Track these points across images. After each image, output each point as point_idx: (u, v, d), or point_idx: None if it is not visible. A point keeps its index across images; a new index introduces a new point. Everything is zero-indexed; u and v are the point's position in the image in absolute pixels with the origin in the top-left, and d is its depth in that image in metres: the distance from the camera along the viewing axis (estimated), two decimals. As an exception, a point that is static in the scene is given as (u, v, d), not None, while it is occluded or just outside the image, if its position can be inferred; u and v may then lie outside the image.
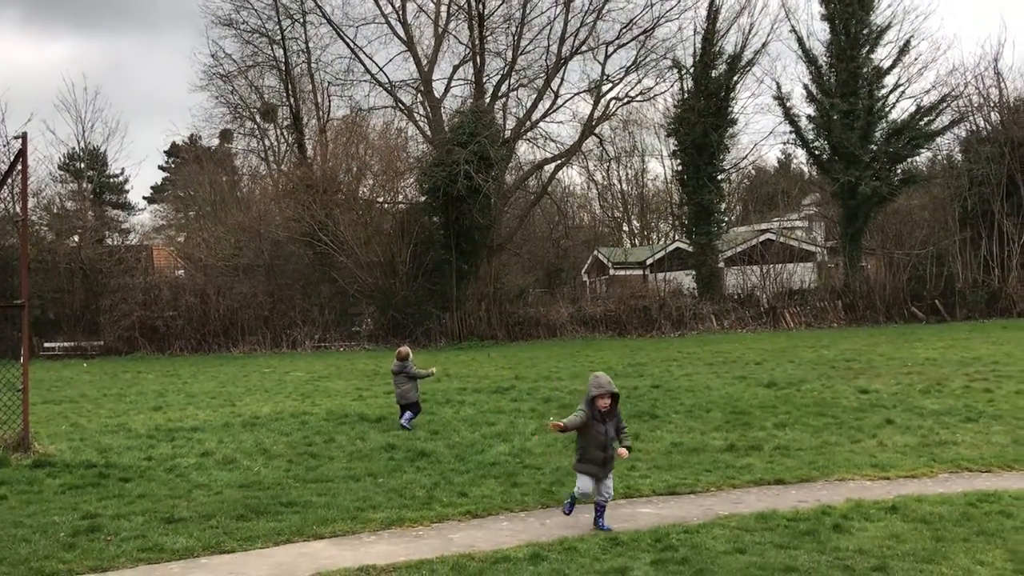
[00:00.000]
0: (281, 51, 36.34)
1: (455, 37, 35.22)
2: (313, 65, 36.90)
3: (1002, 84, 31.75)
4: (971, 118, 32.26)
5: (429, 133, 34.71)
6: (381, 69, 36.29)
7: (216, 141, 47.16)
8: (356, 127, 35.82)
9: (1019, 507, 7.55)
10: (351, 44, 35.49)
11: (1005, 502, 7.73)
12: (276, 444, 11.28)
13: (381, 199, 34.16)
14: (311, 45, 36.58)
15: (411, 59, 34.92)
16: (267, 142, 41.47)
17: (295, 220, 31.84)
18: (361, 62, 35.72)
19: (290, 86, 36.80)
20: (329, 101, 38.27)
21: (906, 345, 21.43)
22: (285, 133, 39.72)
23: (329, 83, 37.19)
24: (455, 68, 35.41)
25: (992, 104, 31.96)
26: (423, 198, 31.44)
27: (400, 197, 34.42)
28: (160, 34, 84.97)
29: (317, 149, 36.79)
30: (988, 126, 31.94)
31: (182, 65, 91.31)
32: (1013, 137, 30.09)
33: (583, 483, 7.51)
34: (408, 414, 12.41)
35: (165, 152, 56.52)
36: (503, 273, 33.20)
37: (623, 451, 7.54)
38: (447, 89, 35.49)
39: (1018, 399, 13.05)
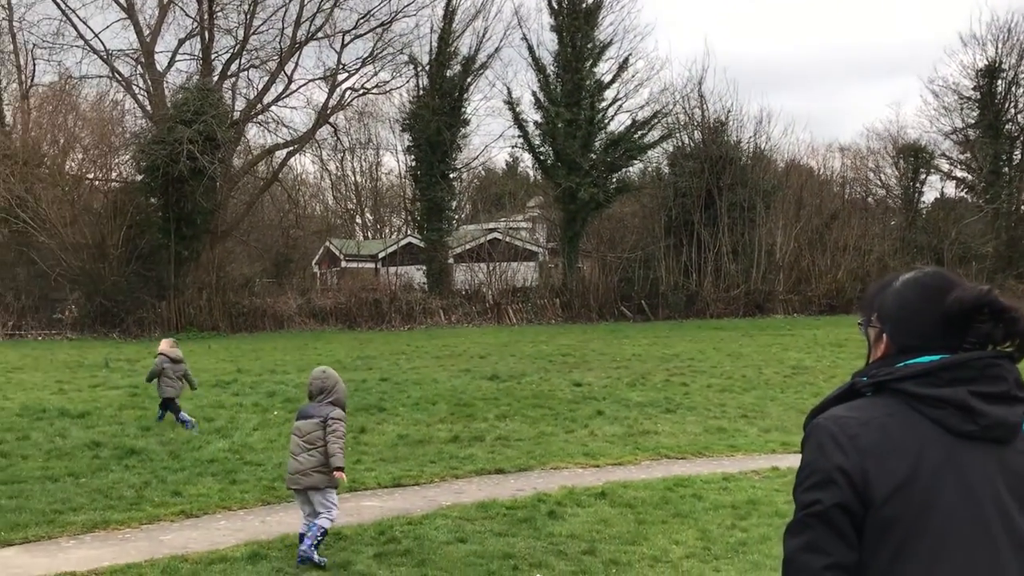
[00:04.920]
0: (-24, 5, 32.38)
1: (182, 9, 33.14)
2: (16, 24, 33.21)
3: (704, 106, 34.94)
4: (678, 135, 35.22)
5: (149, 108, 32.37)
6: (97, 35, 33.59)
7: None
8: (65, 96, 32.65)
9: (708, 490, 8.37)
10: (62, 5, 32.30)
11: (697, 486, 8.53)
12: (-43, 443, 10.08)
13: (92, 176, 31.39)
14: (14, 1, 32.94)
15: (131, 28, 32.42)
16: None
17: (-13, 194, 28.49)
18: (74, 26, 32.61)
19: (-14, 44, 32.92)
20: (35, 65, 34.61)
21: (615, 342, 23.06)
22: (-21, 96, 35.38)
23: (35, 45, 33.65)
24: (181, 42, 33.32)
25: (696, 123, 35.10)
26: (140, 177, 29.31)
27: (114, 175, 31.83)
28: None
29: (18, 116, 33.13)
30: (692, 143, 35.02)
31: None
32: (712, 155, 33.26)
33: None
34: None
35: None
36: (228, 261, 31.73)
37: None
38: (171, 63, 33.30)
39: (709, 392, 14.47)
